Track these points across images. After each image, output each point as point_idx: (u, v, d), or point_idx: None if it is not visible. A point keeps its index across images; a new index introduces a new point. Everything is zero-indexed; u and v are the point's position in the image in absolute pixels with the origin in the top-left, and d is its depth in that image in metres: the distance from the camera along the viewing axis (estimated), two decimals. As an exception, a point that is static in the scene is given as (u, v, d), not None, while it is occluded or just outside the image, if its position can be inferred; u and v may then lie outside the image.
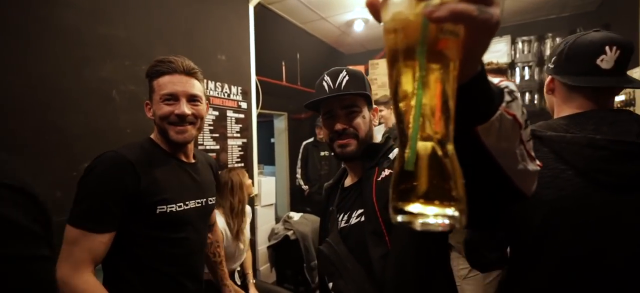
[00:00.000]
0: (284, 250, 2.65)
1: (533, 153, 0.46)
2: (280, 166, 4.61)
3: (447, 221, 0.30)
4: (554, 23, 3.88)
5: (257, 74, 3.03)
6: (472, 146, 0.39)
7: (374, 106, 0.98)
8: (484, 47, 0.33)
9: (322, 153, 3.78)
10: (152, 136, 1.09)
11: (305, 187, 3.94)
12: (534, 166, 0.45)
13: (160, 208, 0.98)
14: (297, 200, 4.36)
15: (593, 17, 3.72)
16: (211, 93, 2.51)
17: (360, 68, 3.20)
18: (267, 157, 5.87)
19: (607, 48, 0.86)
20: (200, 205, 1.12)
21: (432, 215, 0.30)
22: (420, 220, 0.30)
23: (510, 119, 0.39)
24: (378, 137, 0.98)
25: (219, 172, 2.11)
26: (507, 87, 0.41)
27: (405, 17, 0.29)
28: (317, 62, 4.28)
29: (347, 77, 0.89)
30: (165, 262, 1.01)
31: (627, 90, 2.59)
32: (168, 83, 1.01)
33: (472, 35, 0.30)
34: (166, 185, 1.01)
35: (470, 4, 0.28)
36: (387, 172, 0.84)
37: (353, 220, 0.89)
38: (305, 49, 4.26)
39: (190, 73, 1.05)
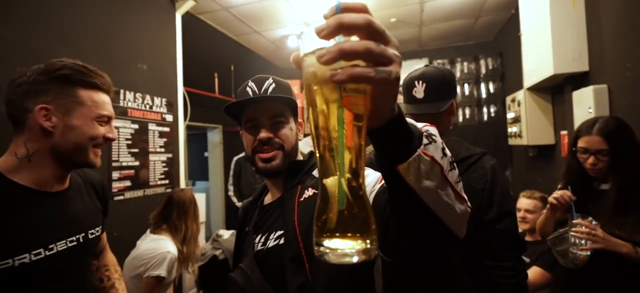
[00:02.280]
0: (212, 271, 2.50)
1: (463, 195, 0.47)
2: (215, 181, 4.40)
3: (364, 255, 0.34)
4: (462, 50, 4.48)
5: (185, 85, 2.88)
6: (398, 185, 0.42)
7: (300, 120, 0.91)
8: (390, 97, 0.36)
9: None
10: None
11: (238, 204, 3.81)
12: (463, 206, 0.47)
13: (2, 265, 0.74)
14: (233, 216, 4.19)
15: (491, 45, 4.38)
16: (129, 104, 2.31)
17: (296, 82, 3.25)
18: (200, 172, 5.54)
19: (416, 82, 1.11)
20: (75, 243, 0.89)
21: (351, 248, 0.34)
22: (338, 253, 0.34)
23: (428, 160, 0.41)
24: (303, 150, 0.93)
25: (173, 192, 1.90)
26: (427, 131, 0.44)
27: (316, 76, 0.34)
28: (252, 75, 4.17)
29: (273, 85, 0.83)
30: None
31: (516, 108, 3.07)
32: (105, 102, 0.90)
33: (376, 90, 0.34)
34: (13, 231, 0.78)
35: (367, 67, 0.32)
36: (311, 191, 0.78)
37: (271, 243, 0.79)
38: (240, 61, 4.18)
39: (110, 92, 0.95)
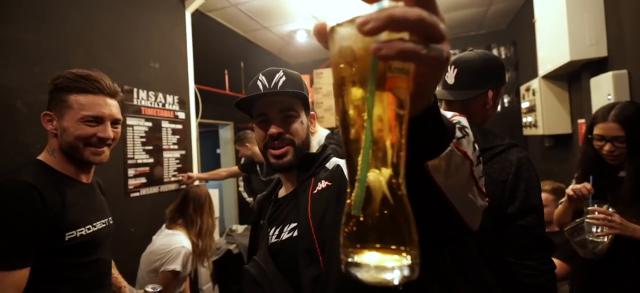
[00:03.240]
0: (227, 266, 2.55)
1: (484, 190, 0.45)
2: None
3: (403, 273, 0.27)
4: (474, 39, 4.37)
5: (196, 82, 2.92)
6: (421, 181, 0.38)
7: (312, 112, 0.90)
8: (435, 82, 0.32)
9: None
10: (41, 158, 1.02)
11: (249, 200, 3.85)
12: (483, 202, 0.45)
13: (69, 235, 0.94)
14: (246, 211, 4.24)
15: (504, 34, 4.26)
16: (142, 103, 2.35)
17: (306, 77, 3.25)
18: (213, 168, 5.61)
19: (448, 67, 1.06)
20: (105, 225, 1.09)
21: (386, 266, 0.27)
22: (371, 273, 0.27)
23: (460, 155, 0.38)
24: (314, 144, 0.92)
25: (189, 188, 2.02)
26: (459, 122, 0.40)
27: (352, 51, 0.27)
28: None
29: (284, 78, 0.82)
30: (80, 288, 0.98)
31: (530, 98, 2.99)
32: (93, 104, 0.98)
33: (422, 72, 0.29)
34: (73, 209, 0.97)
35: (419, 42, 0.26)
36: (324, 183, 0.78)
37: (285, 235, 0.79)
38: (250, 58, 4.21)
39: (114, 95, 1.03)
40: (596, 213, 1.18)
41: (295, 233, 0.77)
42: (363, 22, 0.25)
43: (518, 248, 0.93)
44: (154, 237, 1.81)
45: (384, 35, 0.26)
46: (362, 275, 0.27)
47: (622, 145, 1.22)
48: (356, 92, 0.28)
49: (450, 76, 1.07)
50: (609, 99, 1.93)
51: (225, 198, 4.50)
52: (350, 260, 0.28)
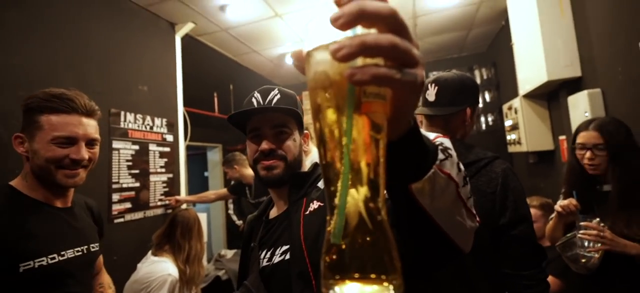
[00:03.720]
0: None
1: (473, 211, 0.45)
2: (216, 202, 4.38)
3: None
4: (456, 62, 4.55)
5: (185, 105, 2.91)
6: (408, 206, 0.38)
7: (305, 131, 0.89)
8: (412, 105, 0.31)
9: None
10: (13, 183, 0.96)
11: (239, 222, 3.77)
12: (473, 223, 0.44)
13: (24, 266, 0.84)
14: (235, 235, 4.14)
15: (484, 56, 4.45)
16: (130, 126, 2.32)
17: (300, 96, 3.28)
18: (201, 191, 5.50)
19: (429, 85, 1.14)
20: (81, 253, 1.00)
21: None
22: None
23: (444, 177, 0.38)
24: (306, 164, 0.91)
25: (177, 212, 1.92)
26: (441, 144, 0.40)
27: (327, 76, 0.27)
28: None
29: (278, 96, 0.82)
30: None
31: (513, 116, 3.10)
32: (65, 124, 0.92)
33: (398, 96, 0.29)
34: (35, 238, 0.89)
35: (393, 67, 0.26)
36: (316, 204, 0.76)
37: (276, 258, 0.76)
38: (239, 80, 4.25)
39: (90, 114, 0.97)
40: (588, 228, 1.20)
41: (288, 256, 0.74)
42: (337, 48, 0.25)
43: (514, 259, 0.95)
44: (139, 265, 1.74)
45: (359, 61, 0.26)
46: None
47: (602, 153, 1.26)
48: (332, 116, 0.28)
49: (431, 94, 1.13)
50: (586, 116, 2.02)
51: (213, 222, 4.39)
52: (330, 292, 0.27)
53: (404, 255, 0.47)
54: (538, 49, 2.34)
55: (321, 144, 0.29)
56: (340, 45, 0.25)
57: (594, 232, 1.18)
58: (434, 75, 1.17)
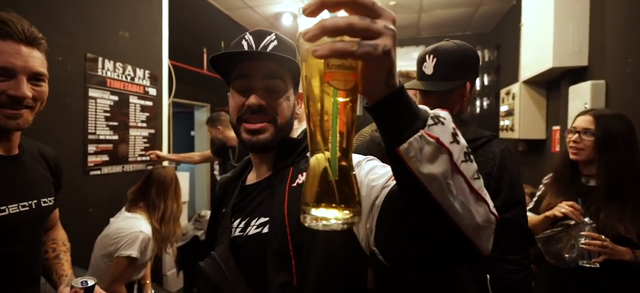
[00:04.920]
0: (193, 252, 2.43)
1: (484, 195, 0.41)
2: (201, 161, 4.29)
3: (348, 223, 0.37)
4: (459, 39, 4.39)
5: (171, 58, 2.73)
6: (401, 172, 0.39)
7: (300, 91, 0.73)
8: (382, 72, 0.35)
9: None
10: None
11: None
12: (482, 210, 0.40)
13: None
14: (218, 197, 4.11)
15: (489, 37, 4.31)
16: (108, 74, 2.16)
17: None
18: (187, 151, 5.38)
19: (427, 56, 1.03)
20: (28, 208, 0.87)
21: (336, 218, 0.36)
22: (328, 222, 0.36)
23: (432, 142, 0.37)
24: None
25: (153, 169, 1.80)
26: (435, 112, 0.40)
27: (304, 53, 0.36)
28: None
29: (275, 42, 0.67)
30: None
31: (510, 101, 3.03)
32: (0, 52, 0.75)
33: (365, 65, 0.34)
34: None
35: (350, 41, 0.32)
36: (304, 176, 0.63)
37: (252, 230, 0.67)
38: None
39: (32, 42, 0.79)
40: (590, 239, 1.16)
41: (265, 230, 0.65)
42: (304, 32, 0.33)
43: (503, 242, 0.90)
44: (112, 220, 1.66)
45: (325, 39, 0.32)
46: (314, 224, 0.37)
47: (589, 139, 1.22)
48: (309, 84, 0.36)
49: (428, 66, 1.02)
50: (586, 107, 1.96)
51: (198, 182, 4.33)
52: (307, 214, 0.37)
53: (408, 245, 0.45)
54: (548, 33, 2.23)
55: (305, 106, 0.38)
56: (306, 30, 0.32)
57: (598, 243, 1.15)
58: (432, 46, 1.05)
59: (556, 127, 2.55)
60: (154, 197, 1.63)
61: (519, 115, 2.84)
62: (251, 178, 0.76)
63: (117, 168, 2.24)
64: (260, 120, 0.66)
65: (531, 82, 2.74)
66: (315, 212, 0.37)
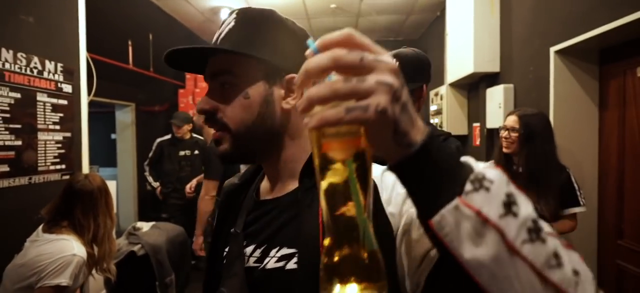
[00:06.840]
0: (129, 270, 2.14)
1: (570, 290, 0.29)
2: (125, 168, 3.79)
3: None
4: (391, 45, 4.73)
5: (90, 51, 2.36)
6: (440, 250, 0.32)
7: (287, 76, 0.54)
8: (384, 134, 0.30)
9: (181, 153, 3.30)
10: None
11: (155, 184, 3.35)
12: None
13: None
14: (148, 207, 3.69)
15: (417, 44, 4.75)
16: (7, 66, 1.77)
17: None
18: (106, 157, 4.72)
19: None
20: None
21: None
22: None
23: (471, 215, 0.28)
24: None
25: (73, 180, 1.45)
26: (478, 174, 0.30)
27: (304, 125, 0.34)
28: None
29: (232, 24, 0.53)
30: None
31: (438, 102, 3.39)
32: None
33: (366, 129, 0.31)
34: None
35: (337, 108, 0.28)
36: None
37: (271, 263, 0.52)
38: (161, 30, 3.65)
39: None
40: None
41: (291, 265, 0.50)
42: (298, 106, 0.31)
43: None
44: (27, 244, 1.35)
45: (317, 109, 0.30)
46: None
47: (515, 135, 1.51)
48: (319, 161, 0.33)
49: None
50: (500, 108, 2.31)
51: (121, 193, 3.80)
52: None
53: None
54: (468, 42, 2.55)
55: (321, 174, 0.33)
56: (298, 104, 0.30)
57: None
58: (394, 52, 1.17)
59: (476, 124, 2.94)
60: (79, 217, 1.35)
61: (447, 114, 3.19)
62: (265, 190, 0.60)
63: (22, 180, 1.85)
64: (215, 128, 0.54)
65: (455, 85, 3.11)
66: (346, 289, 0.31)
